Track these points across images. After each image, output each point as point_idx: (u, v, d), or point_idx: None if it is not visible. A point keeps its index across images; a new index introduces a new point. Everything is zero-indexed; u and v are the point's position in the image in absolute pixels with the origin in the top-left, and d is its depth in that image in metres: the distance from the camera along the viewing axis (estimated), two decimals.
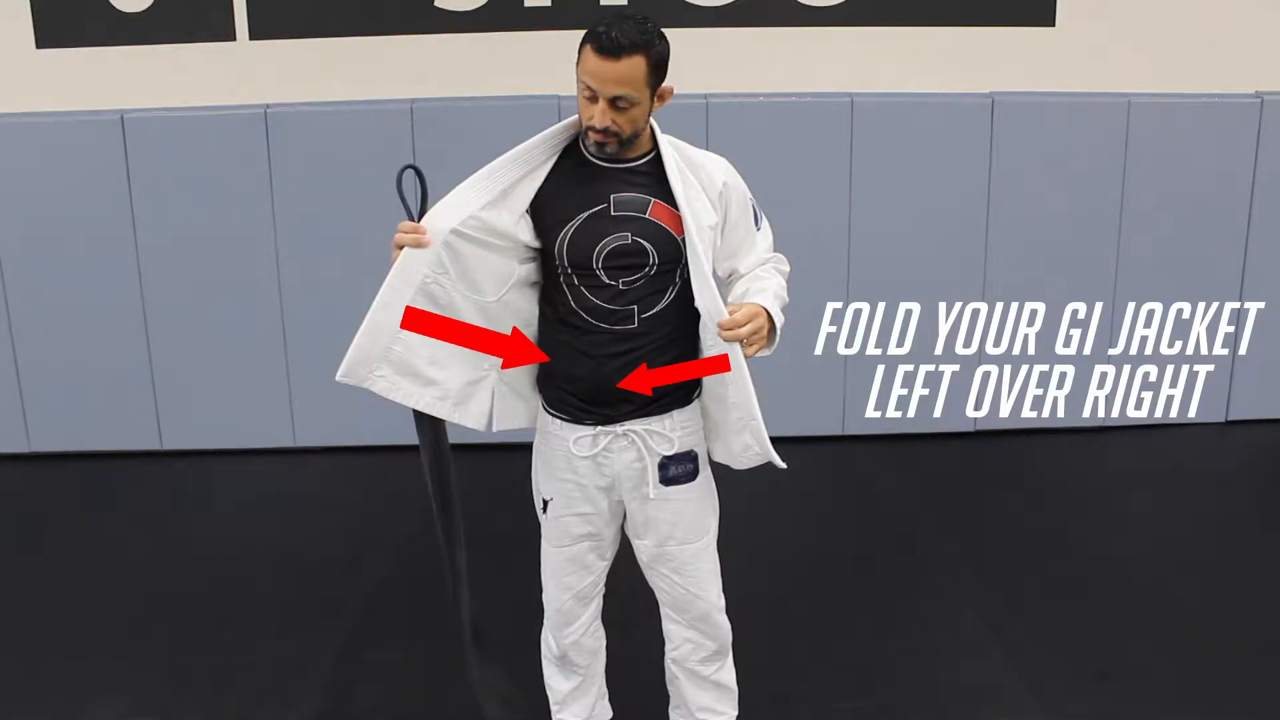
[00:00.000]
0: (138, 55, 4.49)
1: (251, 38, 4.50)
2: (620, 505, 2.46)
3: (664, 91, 2.24)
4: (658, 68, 2.19)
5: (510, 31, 4.51)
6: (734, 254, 2.40)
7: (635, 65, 2.15)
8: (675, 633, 2.57)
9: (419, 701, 3.09)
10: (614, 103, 2.17)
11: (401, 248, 2.25)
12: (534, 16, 4.49)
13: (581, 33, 2.20)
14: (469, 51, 4.53)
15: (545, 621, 2.62)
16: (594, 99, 2.17)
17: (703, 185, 2.32)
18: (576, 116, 2.26)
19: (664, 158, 2.28)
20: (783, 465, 2.34)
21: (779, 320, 2.28)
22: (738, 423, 2.34)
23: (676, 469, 2.40)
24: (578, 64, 2.18)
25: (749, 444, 2.35)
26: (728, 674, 2.62)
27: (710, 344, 2.31)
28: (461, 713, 2.87)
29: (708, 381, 2.38)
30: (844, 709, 3.03)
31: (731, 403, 2.32)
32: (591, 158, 2.29)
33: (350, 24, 4.51)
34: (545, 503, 2.49)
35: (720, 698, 2.62)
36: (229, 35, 4.49)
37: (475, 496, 4.33)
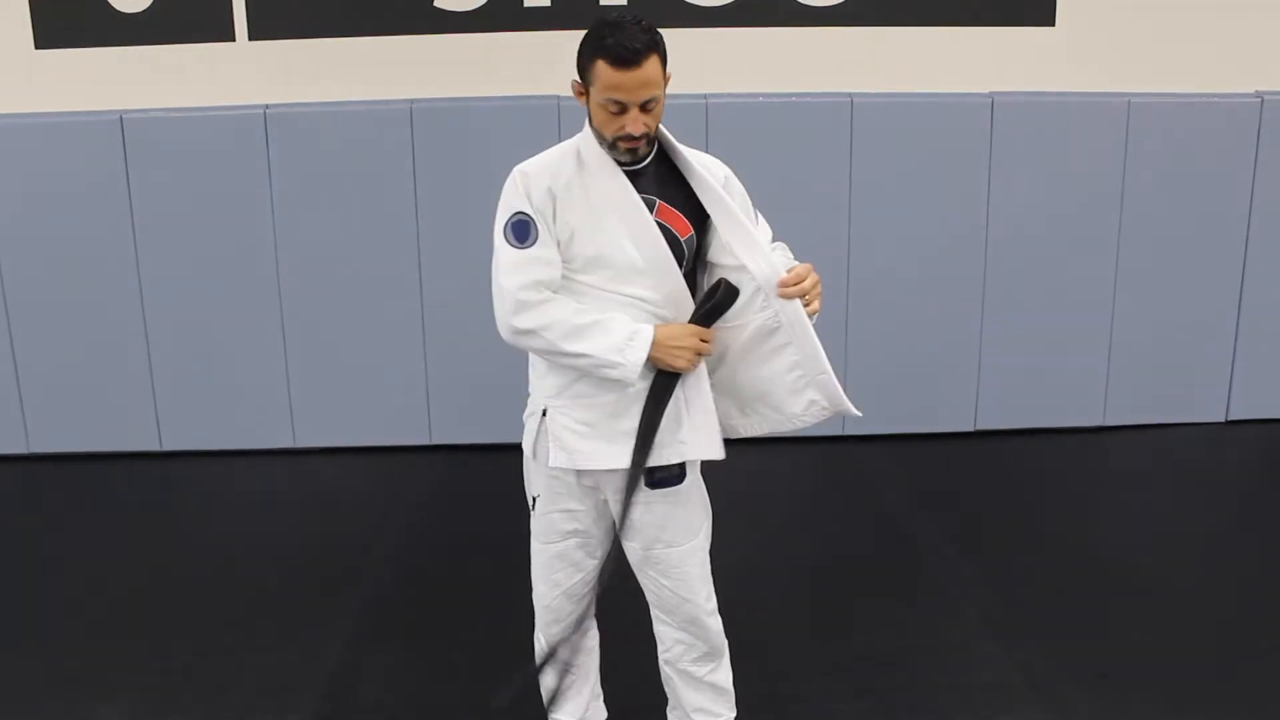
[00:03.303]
0: (138, 55, 4.49)
1: (251, 38, 4.50)
2: (607, 504, 2.46)
3: (668, 79, 2.26)
4: (664, 60, 2.22)
5: (510, 31, 4.50)
6: None
7: (653, 65, 2.18)
8: (666, 634, 2.57)
9: (419, 701, 3.09)
10: (643, 106, 2.19)
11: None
12: (534, 16, 4.49)
13: (581, 33, 2.20)
14: (469, 51, 4.53)
15: (536, 620, 2.62)
16: (623, 110, 2.18)
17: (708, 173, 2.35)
18: (565, 144, 2.28)
19: (667, 151, 2.31)
20: (858, 413, 2.38)
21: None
22: (798, 381, 2.35)
23: (663, 472, 2.39)
24: (592, 83, 2.19)
25: (813, 399, 2.36)
26: (723, 675, 2.61)
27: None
28: (461, 713, 2.87)
29: (710, 363, 2.38)
30: (844, 709, 3.02)
31: (792, 361, 2.33)
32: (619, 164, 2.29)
33: (350, 24, 4.51)
34: (534, 499, 2.50)
35: (716, 699, 2.61)
36: (228, 35, 4.49)
37: (475, 496, 4.34)
